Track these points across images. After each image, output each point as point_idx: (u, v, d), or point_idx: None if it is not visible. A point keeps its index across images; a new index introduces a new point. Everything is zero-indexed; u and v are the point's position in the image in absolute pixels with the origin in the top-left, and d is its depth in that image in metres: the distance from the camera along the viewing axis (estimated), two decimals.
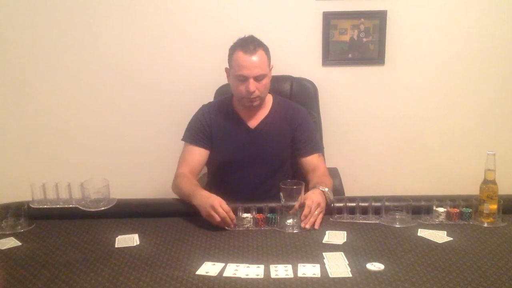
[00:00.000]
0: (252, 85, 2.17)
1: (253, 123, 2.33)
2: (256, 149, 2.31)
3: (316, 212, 1.91)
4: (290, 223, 1.90)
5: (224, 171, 2.36)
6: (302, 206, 1.91)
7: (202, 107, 2.41)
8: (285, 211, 1.91)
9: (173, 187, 2.22)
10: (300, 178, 2.24)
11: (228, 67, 2.29)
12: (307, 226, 1.88)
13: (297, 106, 2.43)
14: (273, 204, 1.95)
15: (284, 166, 2.36)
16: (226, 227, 1.90)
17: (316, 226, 1.90)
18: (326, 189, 2.02)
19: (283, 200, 1.90)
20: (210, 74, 2.77)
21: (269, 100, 2.36)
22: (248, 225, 1.92)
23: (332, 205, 2.01)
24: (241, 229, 1.90)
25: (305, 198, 1.93)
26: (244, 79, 2.18)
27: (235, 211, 1.92)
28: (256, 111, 2.33)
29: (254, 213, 1.93)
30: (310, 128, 2.38)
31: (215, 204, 1.88)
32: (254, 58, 2.17)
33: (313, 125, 2.44)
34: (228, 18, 2.83)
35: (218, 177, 2.40)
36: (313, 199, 1.94)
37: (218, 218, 1.88)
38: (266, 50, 2.24)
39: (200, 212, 1.94)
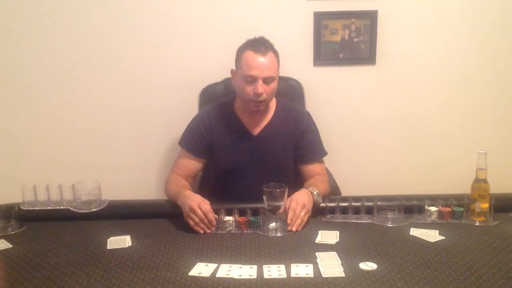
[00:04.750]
0: (261, 87, 2.10)
1: (256, 129, 2.27)
2: (259, 156, 2.26)
3: (302, 214, 1.87)
4: (273, 226, 1.86)
5: (226, 178, 2.32)
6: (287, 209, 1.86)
7: (202, 112, 2.34)
8: (268, 214, 1.86)
9: (164, 190, 2.20)
10: (302, 183, 2.22)
11: (234, 68, 2.23)
12: (294, 229, 1.84)
13: (300, 109, 2.39)
14: (256, 205, 1.90)
15: (287, 171, 2.32)
16: (203, 231, 1.85)
17: (299, 228, 1.85)
18: (315, 192, 1.98)
19: (266, 203, 1.85)
20: (200, 74, 2.76)
21: (272, 103, 2.30)
22: (230, 228, 1.88)
23: (325, 204, 2.00)
24: (223, 232, 1.86)
25: (290, 199, 1.89)
26: (253, 80, 2.10)
27: (217, 214, 1.88)
28: (259, 116, 2.27)
29: (236, 216, 1.89)
30: (313, 134, 2.33)
31: (193, 205, 1.84)
32: (265, 59, 2.11)
33: (316, 129, 2.38)
34: (219, 18, 2.81)
35: (220, 184, 2.35)
36: (298, 200, 1.90)
37: (195, 219, 1.84)
38: (276, 53, 2.18)
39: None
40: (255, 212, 1.90)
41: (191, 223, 1.85)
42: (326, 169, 2.59)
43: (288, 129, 2.29)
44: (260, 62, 2.10)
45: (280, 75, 2.62)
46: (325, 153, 2.35)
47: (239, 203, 1.99)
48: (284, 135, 2.28)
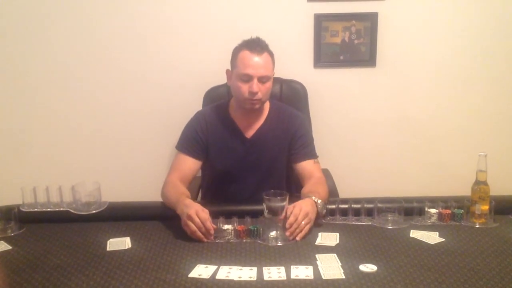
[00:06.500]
0: (256, 86, 2.10)
1: (249, 132, 2.27)
2: (252, 158, 2.27)
3: (303, 223, 1.82)
4: (273, 235, 1.81)
5: (220, 180, 2.33)
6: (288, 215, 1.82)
7: (197, 115, 2.33)
8: (268, 223, 1.82)
9: (161, 193, 2.17)
10: (296, 182, 2.21)
11: (229, 68, 2.23)
12: (292, 236, 1.79)
13: (294, 112, 2.36)
14: (254, 207, 1.89)
15: (280, 173, 2.32)
16: (201, 240, 1.80)
17: (298, 238, 1.80)
18: (319, 201, 1.92)
19: (266, 211, 1.81)
20: (203, 76, 2.77)
21: (266, 106, 2.30)
22: (229, 237, 1.82)
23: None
24: (221, 241, 1.81)
25: (293, 206, 1.84)
26: (248, 78, 2.11)
27: (216, 223, 1.83)
28: (252, 119, 2.27)
29: (235, 224, 1.84)
30: (306, 135, 2.31)
31: (191, 213, 1.79)
32: (260, 58, 2.12)
33: (310, 132, 2.38)
34: (221, 21, 2.82)
35: (214, 185, 2.37)
36: (302, 207, 1.84)
37: (192, 227, 1.79)
38: (271, 54, 2.18)
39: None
40: (255, 215, 1.88)
41: (188, 231, 1.82)
42: (327, 170, 2.59)
43: (281, 131, 2.28)
44: (255, 61, 2.11)
45: (282, 77, 2.64)
46: (316, 156, 2.32)
47: (237, 205, 2.00)
48: (277, 138, 2.28)
